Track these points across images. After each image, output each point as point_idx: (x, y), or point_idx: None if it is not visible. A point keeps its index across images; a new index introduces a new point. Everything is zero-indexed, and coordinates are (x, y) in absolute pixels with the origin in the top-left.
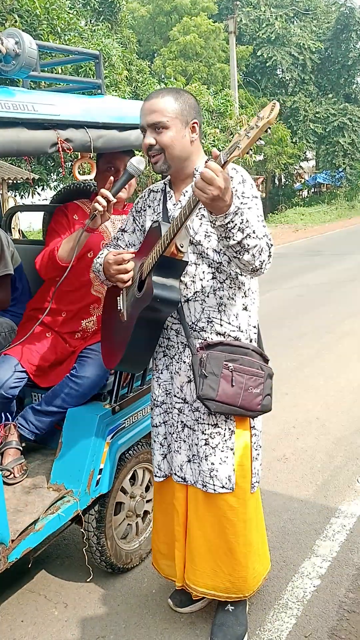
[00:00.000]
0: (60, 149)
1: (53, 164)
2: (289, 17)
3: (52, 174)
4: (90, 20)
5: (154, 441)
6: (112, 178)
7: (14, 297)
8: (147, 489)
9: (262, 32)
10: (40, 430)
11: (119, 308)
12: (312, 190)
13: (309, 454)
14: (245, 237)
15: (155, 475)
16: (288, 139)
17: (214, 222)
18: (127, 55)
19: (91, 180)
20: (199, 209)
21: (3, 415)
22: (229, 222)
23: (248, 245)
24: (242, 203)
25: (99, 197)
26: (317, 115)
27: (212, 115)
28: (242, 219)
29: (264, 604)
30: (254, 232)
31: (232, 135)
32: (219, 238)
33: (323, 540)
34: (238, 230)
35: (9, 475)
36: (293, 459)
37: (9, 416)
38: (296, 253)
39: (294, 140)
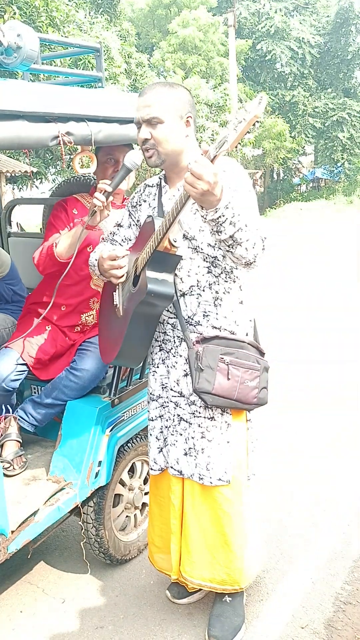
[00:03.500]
0: (61, 142)
1: (51, 157)
2: (288, 10)
3: (50, 167)
4: (89, 13)
5: (150, 434)
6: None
7: (10, 297)
8: (145, 481)
9: (262, 25)
10: (40, 423)
11: (115, 303)
12: (311, 185)
13: (307, 446)
14: (237, 230)
15: (151, 469)
16: (287, 134)
17: (205, 216)
18: (126, 48)
19: (90, 174)
20: (193, 203)
21: (3, 407)
22: (219, 217)
23: (240, 239)
24: (232, 197)
25: (97, 194)
26: (316, 109)
27: (210, 109)
28: (233, 213)
29: (261, 596)
30: (246, 225)
31: None
32: (211, 232)
33: (320, 533)
34: (230, 224)
35: (8, 467)
36: (290, 452)
37: (9, 408)
38: (294, 248)
39: (292, 135)
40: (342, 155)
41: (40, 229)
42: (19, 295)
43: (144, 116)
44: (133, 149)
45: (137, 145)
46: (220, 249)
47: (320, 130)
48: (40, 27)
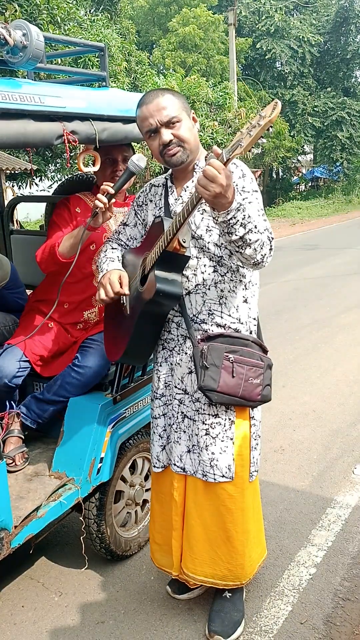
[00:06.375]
0: (66, 141)
1: (51, 154)
2: (288, 9)
3: (50, 165)
4: (90, 10)
5: (154, 432)
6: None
7: (14, 305)
8: (146, 477)
9: (262, 24)
10: (42, 419)
11: (122, 302)
12: (310, 184)
13: (306, 446)
14: (247, 232)
15: (154, 466)
16: (286, 133)
17: (216, 218)
18: (126, 46)
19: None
20: (201, 204)
21: (6, 403)
22: (231, 219)
23: (250, 240)
24: (243, 199)
25: (100, 195)
26: (315, 108)
27: (210, 108)
28: (244, 215)
29: (261, 592)
30: (255, 227)
31: (230, 128)
32: (221, 233)
33: (319, 530)
34: (240, 225)
35: (10, 463)
36: (290, 450)
37: (13, 404)
38: (293, 247)
39: (292, 134)
40: (341, 154)
41: (41, 226)
42: (20, 304)
43: (164, 119)
44: (132, 148)
45: (138, 144)
46: (226, 248)
47: (319, 130)
48: (41, 24)
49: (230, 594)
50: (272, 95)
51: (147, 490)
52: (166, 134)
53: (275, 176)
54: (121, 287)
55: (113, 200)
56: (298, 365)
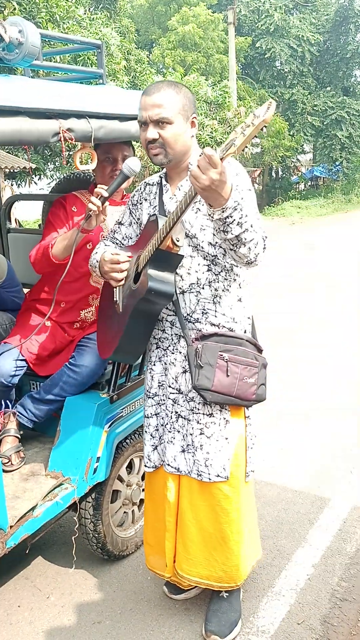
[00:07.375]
0: (62, 139)
1: (50, 153)
2: (288, 8)
3: (48, 163)
4: (89, 9)
5: (145, 432)
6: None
7: (10, 304)
8: (143, 477)
9: (261, 23)
10: (39, 418)
11: (114, 299)
12: (309, 183)
13: (304, 445)
14: (243, 231)
15: (146, 466)
16: (286, 132)
17: (211, 215)
18: (125, 45)
19: (90, 170)
20: (195, 203)
21: (2, 403)
22: (227, 217)
23: (245, 239)
24: (242, 199)
25: (93, 198)
26: (315, 108)
27: (210, 107)
28: (241, 214)
29: (258, 592)
30: (251, 226)
31: (230, 127)
32: (216, 231)
33: (316, 530)
34: (237, 225)
35: (6, 463)
36: (287, 450)
37: (8, 404)
38: (292, 246)
39: (291, 133)
40: (340, 154)
41: (39, 225)
42: (17, 302)
43: (153, 116)
44: (132, 146)
45: (137, 142)
46: (220, 247)
47: (319, 129)
48: (40, 23)
49: (227, 594)
50: (272, 94)
51: (144, 489)
52: (151, 132)
53: (274, 175)
54: (117, 255)
55: (107, 203)
56: (296, 365)
